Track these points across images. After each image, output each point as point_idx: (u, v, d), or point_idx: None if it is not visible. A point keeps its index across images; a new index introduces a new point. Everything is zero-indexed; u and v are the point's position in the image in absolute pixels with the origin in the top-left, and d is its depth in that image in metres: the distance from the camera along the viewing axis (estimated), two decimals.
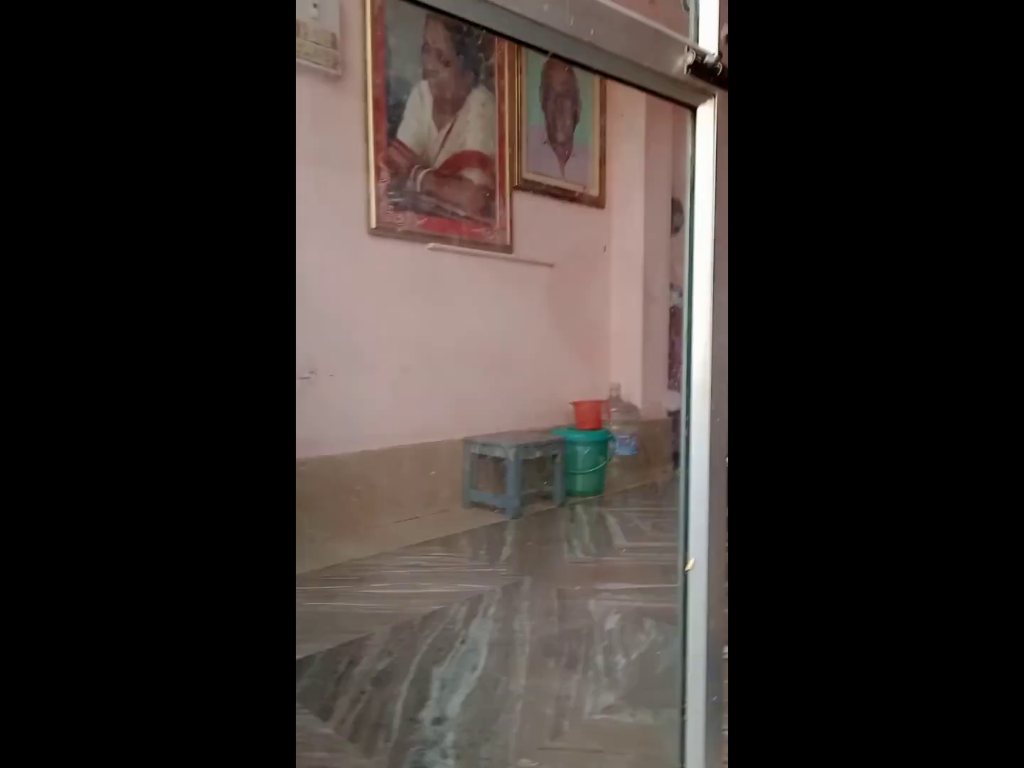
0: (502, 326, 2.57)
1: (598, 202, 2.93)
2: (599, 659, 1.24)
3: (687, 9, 0.70)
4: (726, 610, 0.77)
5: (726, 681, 1.11)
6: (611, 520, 2.26)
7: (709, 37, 0.70)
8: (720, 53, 0.69)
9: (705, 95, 0.70)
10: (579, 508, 2.40)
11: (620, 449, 2.79)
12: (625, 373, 3.02)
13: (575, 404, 2.69)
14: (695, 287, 0.75)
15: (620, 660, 1.24)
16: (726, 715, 0.76)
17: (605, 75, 0.64)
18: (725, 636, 0.74)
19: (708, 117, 0.71)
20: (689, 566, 0.73)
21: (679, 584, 0.75)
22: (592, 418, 2.66)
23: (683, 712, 0.75)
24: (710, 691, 0.74)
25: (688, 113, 0.72)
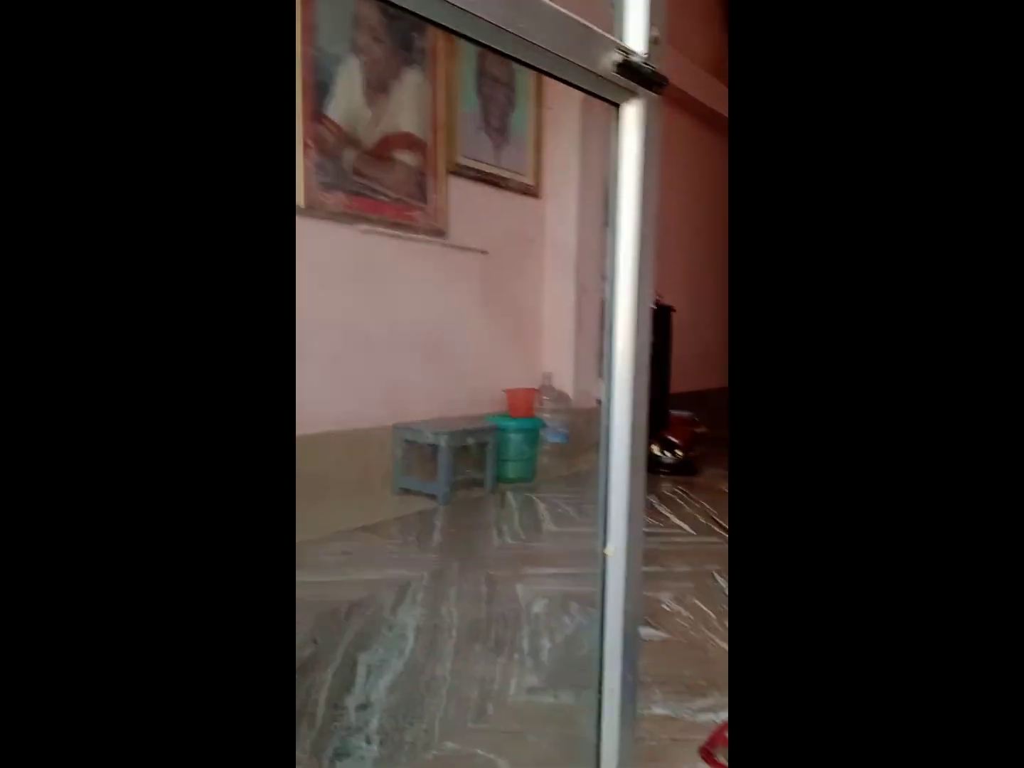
0: (435, 312, 2.55)
1: (533, 191, 2.94)
2: (524, 642, 1.27)
3: (615, 8, 0.71)
4: (643, 593, 0.80)
5: (641, 661, 1.15)
6: (541, 506, 2.30)
7: (637, 37, 0.71)
8: (648, 53, 0.71)
9: (631, 94, 0.72)
10: (510, 495, 2.43)
11: (551, 437, 2.83)
12: (557, 362, 3.07)
13: (507, 392, 2.71)
14: (618, 282, 0.77)
15: (545, 643, 1.27)
16: (637, 694, 0.80)
17: (532, 68, 0.64)
18: (641, 618, 0.77)
19: (633, 116, 0.73)
20: (608, 552, 0.76)
21: (599, 569, 0.78)
22: (524, 406, 2.69)
23: (600, 692, 0.78)
24: (626, 671, 0.77)
25: (613, 111, 0.73)
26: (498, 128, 2.76)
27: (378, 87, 2.26)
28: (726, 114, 4.20)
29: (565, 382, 3.03)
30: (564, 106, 2.95)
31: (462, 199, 2.60)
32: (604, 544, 0.77)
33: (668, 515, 2.22)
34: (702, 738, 0.96)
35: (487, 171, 2.70)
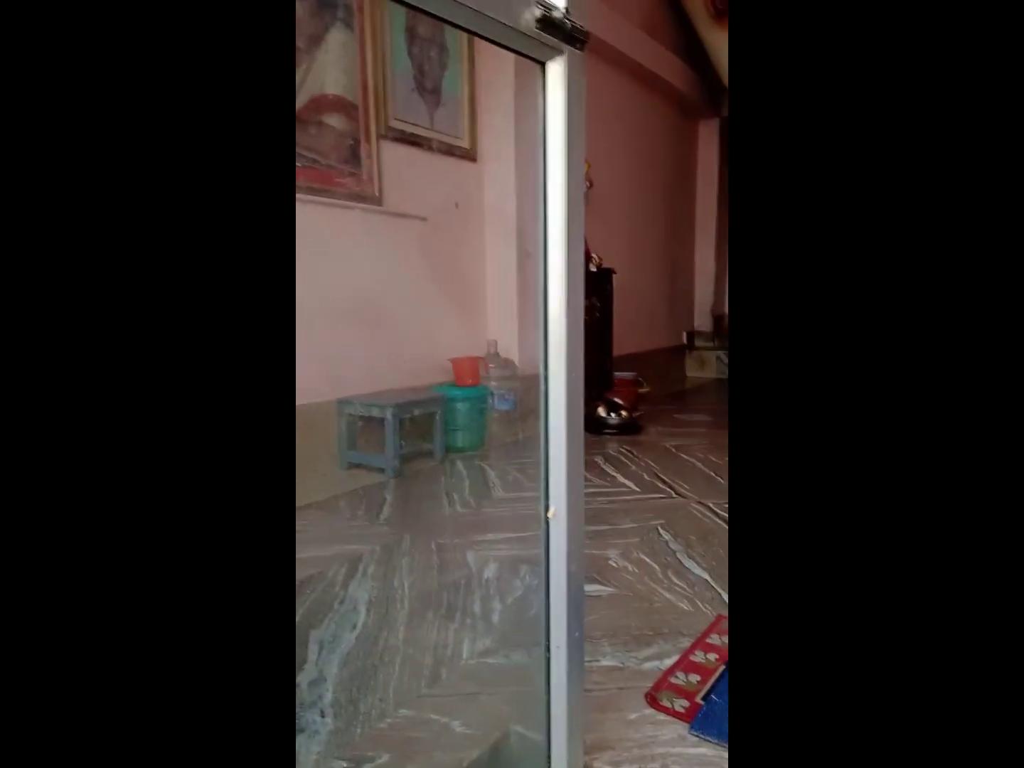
0: (374, 282, 2.49)
1: (469, 155, 2.89)
2: (476, 607, 1.29)
3: None
4: (585, 552, 0.81)
5: (589, 617, 1.19)
6: (491, 473, 2.31)
7: None
8: (569, 8, 0.69)
9: (554, 51, 0.70)
10: (459, 463, 2.44)
11: (499, 404, 2.84)
12: (502, 329, 3.06)
13: (452, 361, 2.69)
14: (550, 246, 0.76)
15: (496, 606, 1.29)
16: (586, 648, 0.82)
17: (455, 25, 0.62)
18: (584, 577, 0.79)
19: (558, 74, 0.72)
20: (550, 514, 0.77)
21: (542, 532, 0.79)
22: (470, 374, 2.68)
23: (547, 649, 0.80)
24: (571, 628, 0.79)
25: (538, 69, 0.72)
26: (431, 89, 2.68)
27: (301, 46, 2.15)
28: (663, 74, 4.19)
29: (511, 349, 3.03)
30: (497, 66, 2.88)
31: (397, 164, 2.52)
32: (546, 508, 0.78)
33: (614, 474, 2.27)
34: (648, 685, 1.00)
35: (422, 134, 2.63)
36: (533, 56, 0.69)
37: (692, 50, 4.46)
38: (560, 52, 0.70)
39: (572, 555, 0.78)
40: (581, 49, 0.72)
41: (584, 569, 0.80)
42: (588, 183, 3.52)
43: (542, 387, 0.78)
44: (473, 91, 2.87)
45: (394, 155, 2.51)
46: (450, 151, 2.79)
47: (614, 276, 3.58)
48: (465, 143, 2.86)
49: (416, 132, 2.61)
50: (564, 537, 0.78)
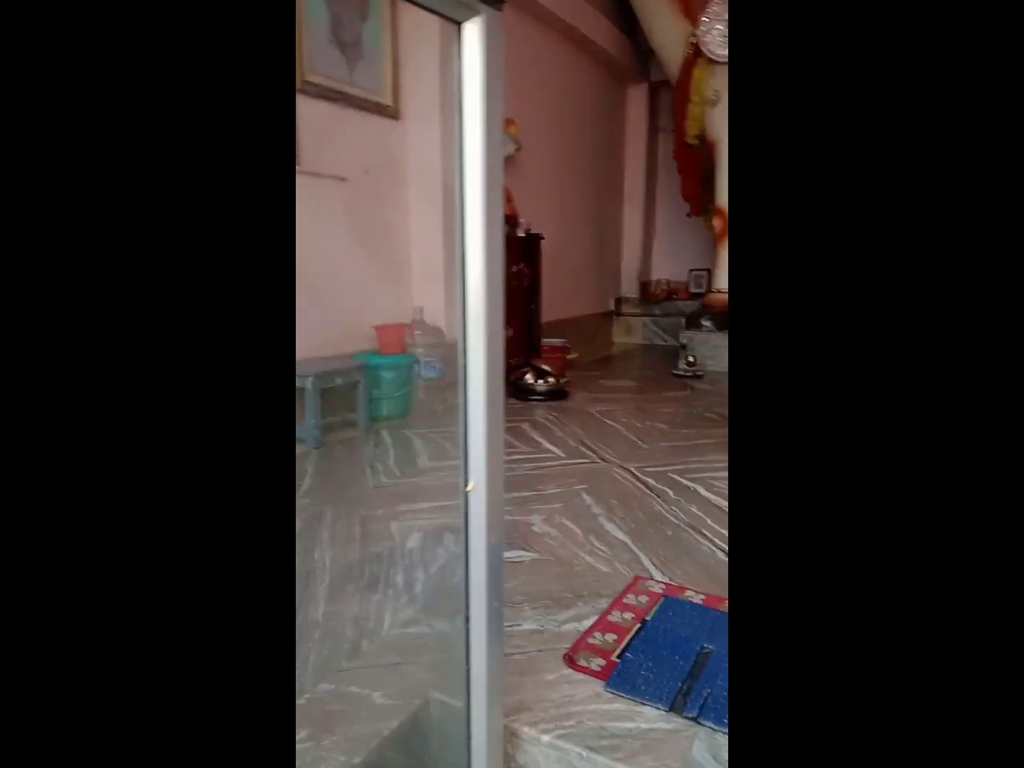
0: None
1: (391, 112, 2.78)
2: (399, 578, 1.28)
3: None
4: (506, 521, 0.82)
5: (511, 584, 1.21)
6: (416, 442, 2.29)
7: None
8: None
9: (471, 11, 0.67)
10: (384, 432, 2.41)
11: (425, 372, 2.80)
12: (429, 295, 3.00)
13: (377, 328, 2.63)
14: (467, 214, 0.74)
15: (419, 576, 1.29)
16: (507, 614, 0.84)
17: None
18: (503, 549, 0.80)
19: (475, 34, 0.69)
20: (469, 487, 0.77)
21: (461, 504, 0.79)
22: (396, 342, 2.63)
23: (467, 620, 0.81)
24: (491, 598, 0.80)
25: (455, 30, 0.69)
26: (350, 42, 2.54)
27: None
28: (593, 36, 4.15)
29: (438, 316, 2.99)
30: (420, 17, 2.76)
31: (314, 121, 2.40)
32: (465, 480, 0.78)
33: (540, 440, 2.30)
34: (567, 646, 1.03)
35: (340, 89, 2.50)
36: (448, 15, 0.66)
37: (622, 13, 4.42)
38: (477, 12, 0.67)
39: (492, 527, 0.79)
40: (499, 8, 0.69)
41: (504, 540, 0.81)
42: (517, 146, 3.47)
43: (461, 360, 0.77)
44: (396, 43, 2.75)
45: (310, 110, 2.39)
46: (371, 107, 2.67)
47: (542, 242, 3.58)
48: (387, 100, 2.74)
49: (334, 87, 2.48)
50: (484, 510, 0.78)
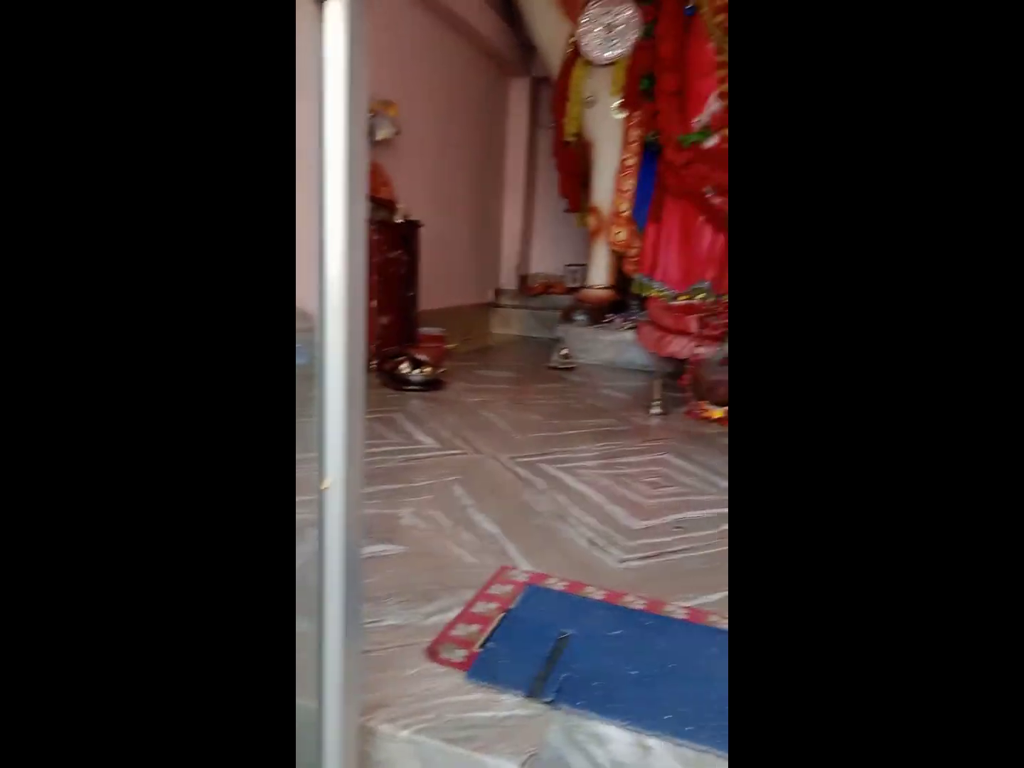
0: None
1: None
2: None
3: None
4: (366, 517, 0.81)
5: (371, 579, 1.19)
6: None
7: None
8: None
9: None
10: None
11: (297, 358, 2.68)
12: (299, 279, 2.86)
13: None
14: (327, 201, 0.72)
15: None
16: (369, 610, 0.82)
17: None
18: (362, 548, 0.78)
19: (338, 14, 0.66)
20: (324, 486, 0.75)
21: (316, 503, 0.76)
22: None
23: (321, 622, 0.78)
24: (349, 598, 0.78)
25: (316, 10, 0.66)
26: None
27: None
28: (477, 25, 4.13)
29: (307, 300, 2.86)
30: None
31: None
32: (321, 479, 0.75)
33: (413, 431, 2.28)
34: (430, 640, 1.03)
35: None
36: None
37: (507, 6, 4.44)
38: None
39: (350, 526, 0.77)
40: None
41: (363, 538, 0.79)
42: (396, 129, 3.39)
43: (316, 353, 0.74)
44: None
45: None
46: None
47: (421, 229, 3.53)
48: None
49: None
50: (341, 508, 0.76)
